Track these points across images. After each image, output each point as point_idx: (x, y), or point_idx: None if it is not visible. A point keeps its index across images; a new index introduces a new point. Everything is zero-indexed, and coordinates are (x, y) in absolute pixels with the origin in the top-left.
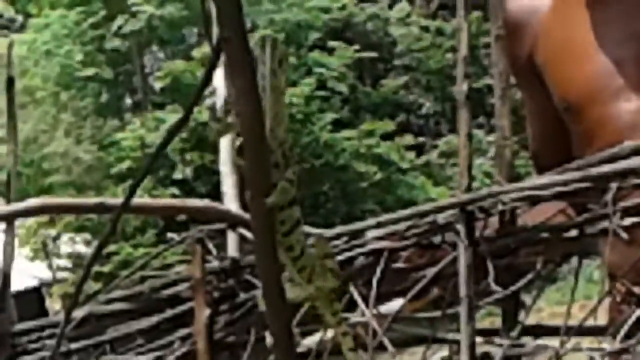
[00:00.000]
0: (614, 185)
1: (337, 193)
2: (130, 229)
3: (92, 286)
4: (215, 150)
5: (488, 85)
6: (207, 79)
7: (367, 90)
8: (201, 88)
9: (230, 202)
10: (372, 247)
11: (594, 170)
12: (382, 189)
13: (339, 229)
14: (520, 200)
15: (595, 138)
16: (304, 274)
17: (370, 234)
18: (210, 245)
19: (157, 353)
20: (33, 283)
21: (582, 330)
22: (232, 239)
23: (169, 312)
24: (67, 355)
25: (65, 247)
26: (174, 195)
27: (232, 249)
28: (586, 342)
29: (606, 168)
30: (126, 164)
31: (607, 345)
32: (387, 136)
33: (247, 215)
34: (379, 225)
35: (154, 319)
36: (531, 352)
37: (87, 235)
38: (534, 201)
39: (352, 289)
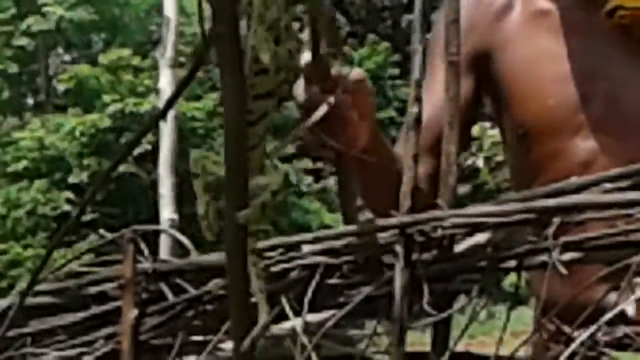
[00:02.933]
0: (556, 220)
1: None
2: (22, 229)
3: None
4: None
5: (390, 118)
6: (190, 77)
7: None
8: (185, 83)
9: (166, 205)
10: (307, 261)
11: (539, 203)
12: (277, 211)
13: (275, 240)
14: (462, 227)
15: (547, 170)
16: None
17: (306, 248)
18: (143, 246)
19: (79, 349)
20: None
21: None
22: (165, 241)
23: (95, 309)
24: None
25: None
26: (68, 200)
27: (164, 252)
28: None
29: (551, 202)
30: (23, 164)
31: None
32: (285, 158)
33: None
34: (315, 240)
35: (79, 315)
36: None
37: None
38: (474, 229)
39: (284, 301)
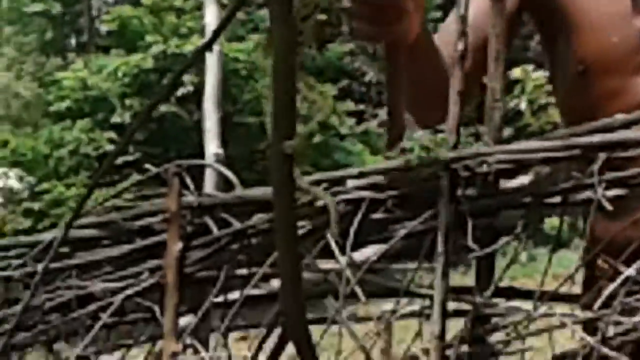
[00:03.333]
0: (602, 156)
1: None
2: (64, 168)
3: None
4: (151, 96)
5: None
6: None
7: (312, 53)
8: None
9: (212, 140)
10: (352, 196)
11: (584, 139)
12: (320, 152)
13: (318, 176)
14: (506, 163)
15: (605, 109)
16: None
17: (351, 183)
18: (188, 180)
19: (125, 282)
20: None
21: (556, 297)
22: (210, 175)
23: (140, 243)
24: (31, 276)
25: None
26: (110, 140)
27: (209, 186)
28: (560, 308)
29: (596, 138)
30: (65, 104)
31: (579, 312)
32: None
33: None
34: (360, 175)
35: (125, 248)
36: (502, 314)
37: (21, 171)
38: (520, 164)
39: (328, 236)
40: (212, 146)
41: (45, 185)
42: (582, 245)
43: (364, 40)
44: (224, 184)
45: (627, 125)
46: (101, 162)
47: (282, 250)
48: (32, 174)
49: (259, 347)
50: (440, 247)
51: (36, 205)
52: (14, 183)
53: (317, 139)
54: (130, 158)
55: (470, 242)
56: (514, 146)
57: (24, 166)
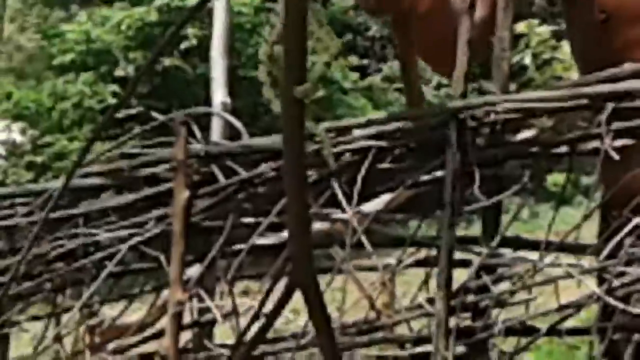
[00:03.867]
0: (609, 105)
1: (277, 106)
2: (68, 121)
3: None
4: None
5: None
6: None
7: (316, 7)
8: None
9: (219, 88)
10: (360, 145)
11: (591, 89)
12: (323, 107)
13: (327, 124)
14: (514, 112)
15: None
16: None
17: (357, 132)
18: (195, 129)
19: (131, 231)
20: None
21: (562, 247)
22: (217, 125)
23: (147, 191)
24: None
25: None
26: (114, 93)
27: (216, 135)
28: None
29: (604, 88)
30: (69, 57)
31: (585, 262)
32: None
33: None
34: (367, 123)
35: (130, 197)
36: (509, 264)
37: (24, 124)
38: (527, 114)
39: (335, 185)
40: (219, 95)
41: (48, 138)
42: (585, 202)
43: (369, 13)
44: (232, 132)
45: (636, 75)
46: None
47: (291, 194)
48: (35, 127)
49: (266, 295)
50: (447, 197)
51: (39, 158)
52: (16, 136)
53: (320, 93)
54: (133, 112)
55: (477, 192)
56: (522, 95)
57: (27, 119)
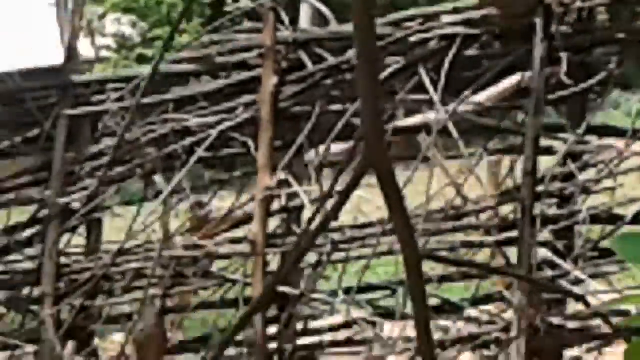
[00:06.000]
0: None
1: None
2: (177, 14)
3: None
4: None
5: None
6: None
7: None
8: None
9: None
10: (446, 32)
11: None
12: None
13: (412, 11)
14: None
15: None
16: None
17: (445, 19)
18: (283, 15)
19: (220, 116)
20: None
21: None
22: (305, 11)
23: (236, 77)
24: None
25: (110, 27)
26: None
27: (305, 22)
28: None
29: None
30: None
31: None
32: None
33: None
34: (455, 10)
35: (220, 82)
36: (594, 151)
37: (134, 17)
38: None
39: (421, 71)
40: None
41: (157, 32)
42: None
43: None
44: (320, 18)
45: None
46: (213, 10)
47: (361, 74)
48: (145, 20)
49: (339, 174)
50: (533, 84)
51: (149, 52)
52: (126, 29)
53: None
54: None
55: (564, 78)
56: None
57: (137, 12)
